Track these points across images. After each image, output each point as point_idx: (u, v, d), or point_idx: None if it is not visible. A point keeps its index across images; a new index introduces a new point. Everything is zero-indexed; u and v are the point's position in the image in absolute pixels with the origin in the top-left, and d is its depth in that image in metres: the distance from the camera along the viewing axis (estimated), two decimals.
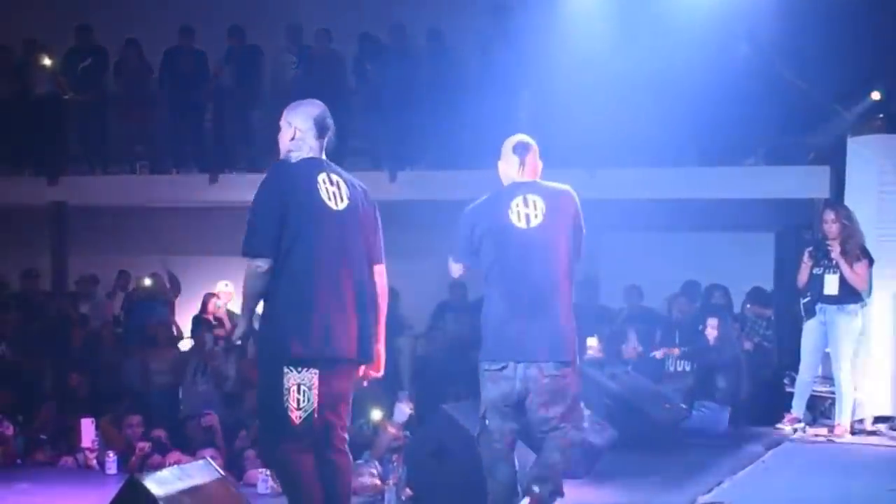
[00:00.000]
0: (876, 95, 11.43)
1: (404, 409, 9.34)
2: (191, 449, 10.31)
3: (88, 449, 10.16)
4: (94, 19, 16.54)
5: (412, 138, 14.91)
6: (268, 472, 8.41)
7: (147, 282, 15.53)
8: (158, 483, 5.64)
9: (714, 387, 11.15)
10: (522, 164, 7.07)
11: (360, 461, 9.27)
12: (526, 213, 6.86)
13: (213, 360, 12.88)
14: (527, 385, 6.63)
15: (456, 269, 7.06)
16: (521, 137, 7.21)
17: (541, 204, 6.89)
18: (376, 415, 10.15)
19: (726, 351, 11.57)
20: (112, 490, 5.77)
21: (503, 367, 6.70)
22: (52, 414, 11.50)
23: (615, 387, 10.13)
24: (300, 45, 15.78)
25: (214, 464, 6.19)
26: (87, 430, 10.22)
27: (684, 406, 10.93)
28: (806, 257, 10.55)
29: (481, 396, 6.84)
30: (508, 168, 7.10)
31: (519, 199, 6.89)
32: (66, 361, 13.23)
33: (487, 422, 6.77)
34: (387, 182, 14.54)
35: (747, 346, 12.25)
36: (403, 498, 7.89)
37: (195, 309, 14.74)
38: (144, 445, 10.13)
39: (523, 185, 6.99)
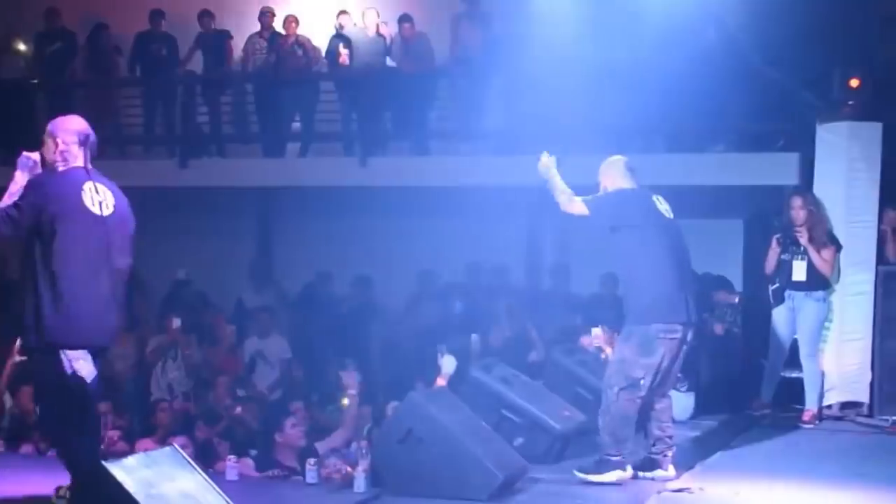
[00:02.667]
0: (854, 83, 11.46)
1: (451, 361, 9.38)
2: (161, 436, 10.27)
3: None
4: (63, 3, 16.45)
5: (382, 124, 14.90)
6: (237, 460, 8.40)
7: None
8: (125, 470, 5.61)
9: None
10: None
11: (328, 451, 9.31)
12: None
13: (183, 347, 12.83)
14: (683, 347, 7.96)
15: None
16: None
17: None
18: (345, 401, 10.18)
19: None
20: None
21: (677, 331, 7.83)
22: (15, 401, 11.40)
23: (585, 374, 10.12)
24: (272, 31, 15.71)
25: (182, 451, 6.16)
26: None
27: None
28: (774, 244, 10.61)
29: (644, 360, 7.80)
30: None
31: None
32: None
33: (643, 381, 7.82)
34: (357, 168, 14.51)
35: (718, 330, 12.27)
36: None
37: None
38: (113, 434, 10.07)
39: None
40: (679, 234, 8.18)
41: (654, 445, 8.14)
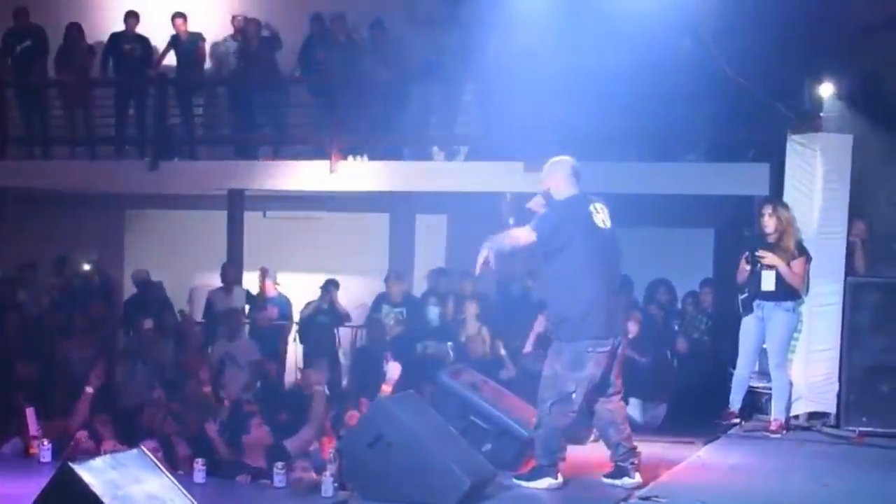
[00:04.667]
0: (826, 89, 11.52)
1: (396, 367, 9.43)
2: (134, 439, 10.18)
3: (34, 437, 10.05)
4: (35, 3, 16.39)
5: (354, 129, 14.89)
6: (204, 462, 8.37)
7: (85, 266, 15.42)
8: (91, 472, 5.59)
9: (637, 382, 11.06)
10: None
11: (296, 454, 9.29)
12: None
13: (151, 347, 12.79)
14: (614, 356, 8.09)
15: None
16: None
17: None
18: None
19: (647, 348, 11.61)
20: (45, 478, 5.71)
21: (606, 345, 7.96)
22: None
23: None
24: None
25: (149, 453, 6.14)
26: (33, 418, 10.12)
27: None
28: (743, 261, 10.63)
29: (575, 374, 7.93)
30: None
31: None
32: (4, 349, 13.08)
33: (574, 395, 7.96)
34: (327, 172, 14.48)
35: (681, 345, 12.34)
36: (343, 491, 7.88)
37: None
38: (82, 435, 10.00)
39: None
40: (611, 246, 8.26)
41: (616, 453, 8.22)
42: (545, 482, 8.06)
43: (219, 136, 16.25)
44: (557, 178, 8.31)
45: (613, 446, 8.25)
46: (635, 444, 8.32)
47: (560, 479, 8.11)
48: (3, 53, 16.32)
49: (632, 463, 8.18)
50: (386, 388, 9.33)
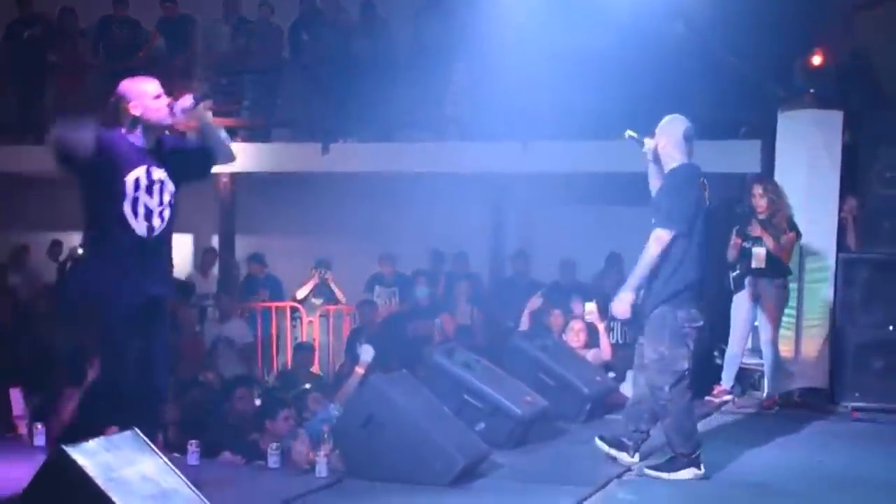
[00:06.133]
0: (817, 60, 11.50)
1: (368, 350, 9.46)
2: None
3: (18, 417, 10.04)
4: None
5: (345, 110, 14.85)
6: (197, 443, 8.37)
7: (80, 251, 15.37)
8: (85, 454, 5.57)
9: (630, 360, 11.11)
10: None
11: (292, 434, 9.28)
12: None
13: None
14: None
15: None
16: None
17: None
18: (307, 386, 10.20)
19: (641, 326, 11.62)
20: (39, 462, 5.70)
21: (699, 320, 7.75)
22: None
23: (546, 358, 10.15)
24: (238, 17, 15.67)
25: (142, 435, 6.13)
26: (17, 399, 10.11)
27: (613, 376, 10.98)
28: (734, 235, 10.64)
29: (682, 351, 7.66)
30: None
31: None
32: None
33: (687, 371, 7.70)
34: (319, 154, 14.47)
35: None
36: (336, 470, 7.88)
37: None
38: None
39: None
40: (710, 227, 7.98)
41: (633, 431, 8.07)
42: (689, 472, 7.68)
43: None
44: (670, 139, 7.89)
45: (633, 426, 8.06)
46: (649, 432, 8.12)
47: (703, 469, 7.72)
48: (6, 39, 16.28)
49: (637, 443, 8.04)
50: (359, 370, 9.35)
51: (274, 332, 14.59)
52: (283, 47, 15.60)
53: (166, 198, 6.59)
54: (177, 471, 5.97)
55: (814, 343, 10.88)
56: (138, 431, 6.18)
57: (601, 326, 11.39)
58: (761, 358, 10.72)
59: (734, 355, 10.79)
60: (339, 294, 14.35)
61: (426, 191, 14.62)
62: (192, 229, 16.66)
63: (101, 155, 6.30)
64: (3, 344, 12.33)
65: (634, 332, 11.00)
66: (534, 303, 11.90)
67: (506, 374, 9.44)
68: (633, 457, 8.05)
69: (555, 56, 13.05)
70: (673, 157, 7.85)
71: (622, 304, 7.71)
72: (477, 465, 7.82)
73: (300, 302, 14.38)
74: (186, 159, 6.69)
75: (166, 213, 6.61)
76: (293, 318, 14.49)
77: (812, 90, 11.51)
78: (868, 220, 11.13)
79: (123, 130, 6.50)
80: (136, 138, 6.52)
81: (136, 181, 6.43)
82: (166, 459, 5.98)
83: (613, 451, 8.08)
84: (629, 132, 8.06)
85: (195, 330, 13.29)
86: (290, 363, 13.32)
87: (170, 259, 6.86)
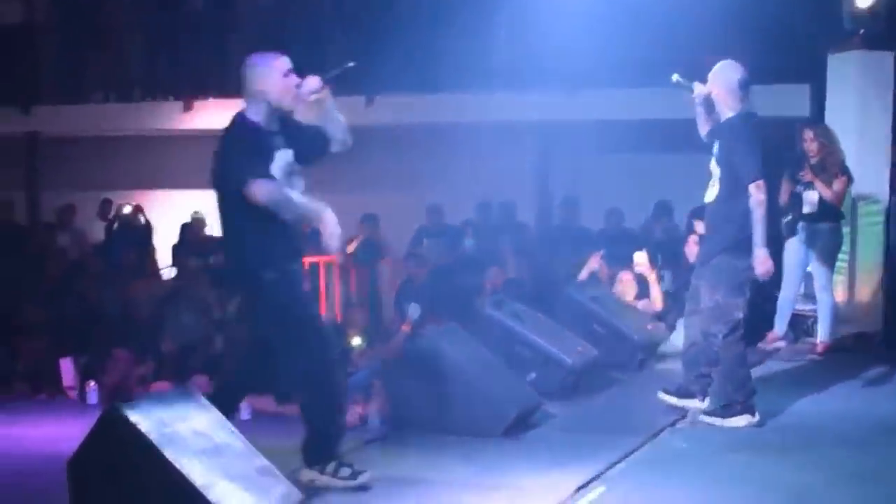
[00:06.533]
0: (867, 5, 11.35)
1: (416, 308, 9.47)
2: (182, 378, 10.21)
3: (69, 388, 10.12)
4: None
5: (389, 61, 14.76)
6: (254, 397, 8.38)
7: (127, 209, 15.44)
8: (138, 410, 5.58)
9: None
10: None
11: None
12: None
13: (197, 290, 12.79)
14: None
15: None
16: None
17: None
18: (356, 341, 10.18)
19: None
20: (92, 420, 5.72)
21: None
22: (33, 348, 11.39)
23: (597, 308, 10.11)
24: None
25: (196, 390, 6.14)
26: (67, 369, 10.20)
27: (663, 324, 10.91)
28: (785, 181, 10.53)
29: (738, 300, 7.63)
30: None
31: None
32: (46, 294, 13.11)
33: (742, 320, 7.65)
34: (363, 107, 14.41)
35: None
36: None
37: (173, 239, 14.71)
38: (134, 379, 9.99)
39: None
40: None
41: (696, 377, 7.94)
42: (743, 419, 7.65)
43: None
44: (724, 86, 7.81)
45: (697, 372, 7.92)
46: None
47: (757, 416, 7.72)
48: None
49: (703, 388, 7.90)
50: (405, 328, 9.33)
51: (323, 286, 14.57)
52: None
53: (300, 183, 6.39)
54: (229, 425, 5.98)
55: (867, 287, 10.80)
56: (191, 387, 6.20)
57: (651, 276, 11.31)
58: (814, 303, 10.62)
59: (787, 301, 10.69)
60: (384, 248, 14.32)
61: (472, 141, 14.53)
62: None
63: (254, 139, 6.18)
64: (52, 303, 12.40)
65: (682, 280, 11.00)
66: (594, 261, 11.78)
67: (556, 324, 9.42)
68: (703, 402, 7.92)
69: (600, 2, 12.92)
70: (729, 104, 7.79)
71: (763, 263, 7.55)
72: (529, 415, 7.81)
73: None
74: (308, 143, 6.44)
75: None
76: (341, 273, 14.47)
77: (861, 31, 11.33)
78: None
79: (248, 110, 6.27)
80: (261, 120, 6.26)
81: (281, 168, 6.25)
82: (219, 414, 5.98)
83: (680, 401, 7.99)
84: (676, 76, 7.97)
85: None
86: (339, 318, 13.29)
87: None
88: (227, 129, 6.31)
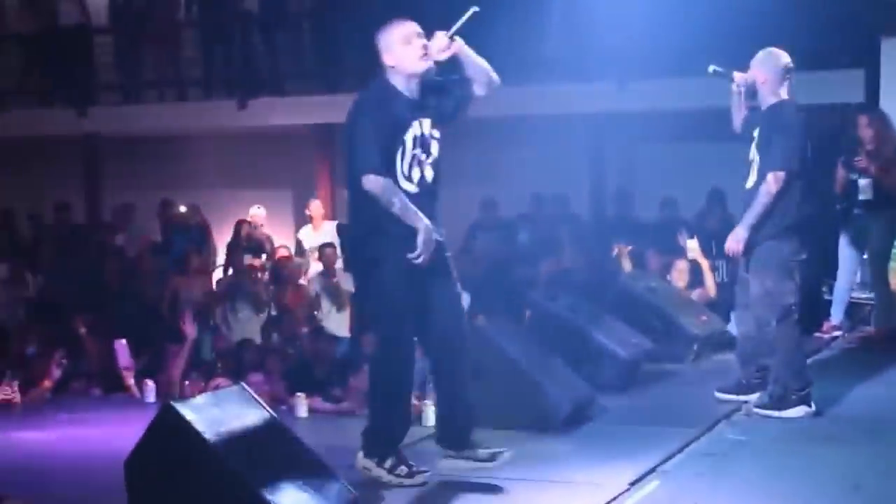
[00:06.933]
0: None
1: (465, 298, 9.51)
2: (239, 375, 10.29)
3: (126, 368, 10.21)
4: None
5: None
6: (304, 396, 8.44)
7: (183, 209, 15.55)
8: (193, 409, 5.63)
9: None
10: None
11: None
12: None
13: (252, 287, 12.88)
14: None
15: None
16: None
17: None
18: None
19: None
20: (150, 418, 5.78)
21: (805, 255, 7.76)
22: (94, 346, 11.52)
23: (652, 299, 10.09)
24: None
25: (249, 389, 6.18)
26: (122, 351, 10.30)
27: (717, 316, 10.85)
28: (840, 166, 10.44)
29: (788, 286, 7.59)
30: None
31: None
32: (104, 293, 13.24)
33: (794, 306, 7.60)
34: None
35: None
36: None
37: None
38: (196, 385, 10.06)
39: None
40: (815, 154, 7.90)
41: (755, 371, 7.99)
42: (799, 410, 7.56)
43: (305, 71, 16.24)
44: (770, 73, 7.78)
45: (751, 363, 7.98)
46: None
47: (813, 406, 7.60)
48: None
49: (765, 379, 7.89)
50: None
51: None
52: None
53: (434, 149, 6.31)
54: (283, 423, 6.02)
55: None
56: (245, 386, 6.24)
57: (705, 264, 11.27)
58: (871, 292, 10.53)
59: (843, 290, 10.63)
60: None
61: (525, 134, 14.51)
62: (291, 185, 16.77)
63: (383, 118, 6.11)
64: (111, 302, 12.53)
65: (737, 270, 10.92)
66: (622, 250, 11.78)
67: (611, 317, 9.39)
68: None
69: None
70: (774, 91, 7.75)
71: (737, 242, 7.62)
72: (584, 409, 7.81)
73: None
74: (447, 96, 6.39)
75: (438, 165, 6.34)
76: None
77: None
78: None
79: (384, 81, 6.23)
80: (403, 89, 6.20)
81: (414, 139, 6.19)
82: (273, 413, 6.02)
83: (739, 397, 7.99)
84: (712, 67, 7.98)
85: (299, 283, 13.34)
86: None
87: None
88: (359, 99, 6.29)
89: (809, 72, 13.12)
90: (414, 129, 6.17)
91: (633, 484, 6.33)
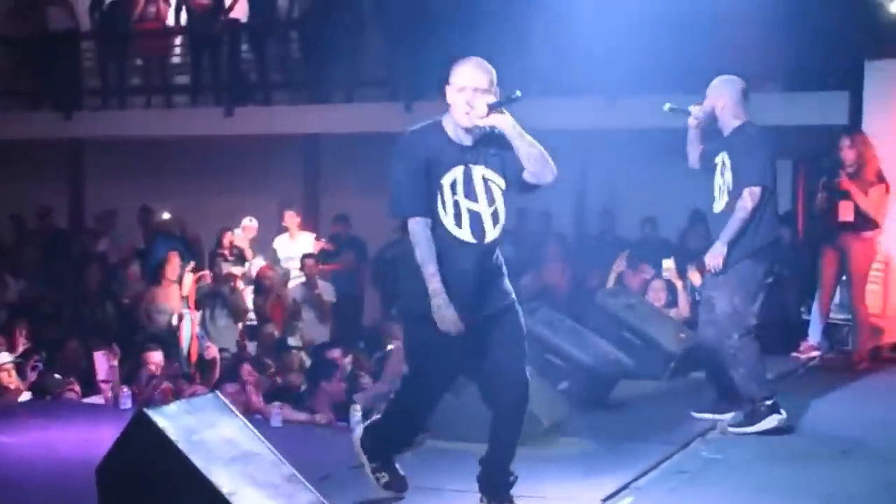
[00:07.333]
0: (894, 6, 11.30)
1: None
2: (212, 383, 10.31)
3: (103, 381, 10.20)
4: None
5: (428, 68, 14.77)
6: (280, 405, 8.43)
7: (166, 216, 15.54)
8: (166, 417, 5.61)
9: None
10: None
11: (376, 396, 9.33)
12: None
13: (231, 295, 12.88)
14: None
15: None
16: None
17: None
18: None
19: None
20: (125, 424, 5.77)
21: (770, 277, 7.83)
22: (74, 351, 11.50)
23: (630, 317, 10.10)
24: None
25: (224, 398, 6.17)
26: (101, 363, 10.29)
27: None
28: (821, 188, 10.49)
29: (753, 308, 7.68)
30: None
31: None
32: (86, 298, 13.24)
33: (754, 325, 7.68)
34: (402, 113, 14.43)
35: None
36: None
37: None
38: (167, 387, 10.06)
39: None
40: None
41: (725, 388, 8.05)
42: (773, 420, 7.61)
43: (293, 81, 16.28)
44: (728, 97, 7.85)
45: (721, 379, 8.01)
46: None
47: (784, 412, 7.66)
48: (92, 8, 16.47)
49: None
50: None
51: (360, 292, 14.65)
52: (364, 6, 15.55)
53: (497, 197, 5.89)
54: (257, 433, 6.00)
55: None
56: (219, 394, 6.23)
57: (679, 284, 11.33)
58: (849, 313, 10.56)
59: (822, 310, 10.65)
60: None
61: None
62: (277, 194, 16.77)
63: (419, 157, 5.78)
64: (93, 309, 12.52)
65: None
66: (619, 264, 11.84)
67: (589, 333, 9.39)
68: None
69: (639, 7, 12.91)
70: (736, 115, 7.85)
71: (715, 257, 7.65)
72: (560, 424, 7.79)
73: None
74: (513, 160, 5.92)
75: (500, 216, 5.90)
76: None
77: None
78: None
79: (441, 122, 5.89)
80: (451, 131, 5.86)
81: (453, 184, 5.79)
82: (247, 422, 6.01)
83: (714, 416, 8.04)
84: (668, 105, 8.10)
85: (280, 292, 13.34)
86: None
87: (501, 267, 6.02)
88: (401, 137, 5.96)
89: (794, 93, 13.26)
90: (454, 174, 5.80)
91: (606, 500, 6.33)
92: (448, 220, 5.79)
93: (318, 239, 14.82)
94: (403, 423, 6.27)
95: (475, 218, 5.81)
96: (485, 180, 5.85)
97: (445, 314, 5.70)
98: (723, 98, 7.88)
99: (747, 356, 7.68)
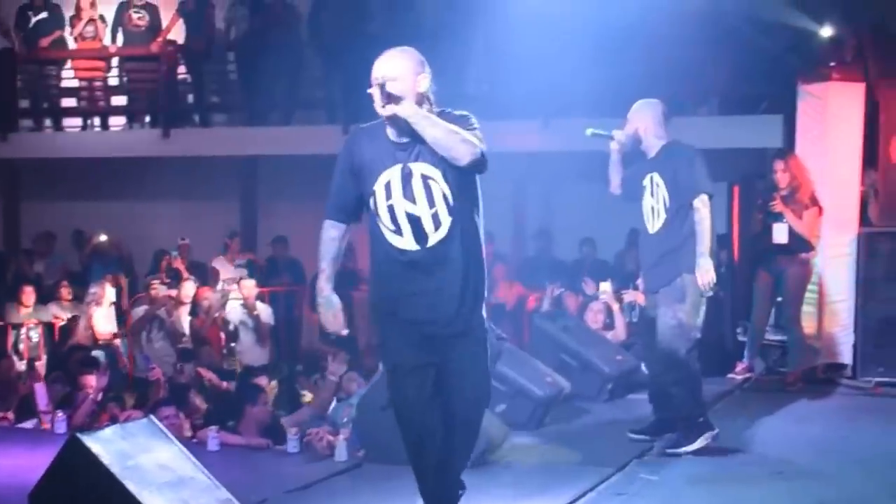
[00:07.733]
0: (838, 37, 11.45)
1: None
2: (147, 406, 10.22)
3: (44, 412, 10.11)
4: None
5: (365, 90, 14.73)
6: (218, 430, 8.38)
7: (103, 238, 15.43)
8: (100, 442, 5.59)
9: None
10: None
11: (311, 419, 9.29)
12: None
13: (168, 318, 12.81)
14: None
15: None
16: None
17: None
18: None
19: None
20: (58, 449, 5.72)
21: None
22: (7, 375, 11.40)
23: (567, 339, 10.13)
24: None
25: (158, 422, 6.14)
26: (41, 395, 10.20)
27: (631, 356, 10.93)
28: (757, 210, 10.59)
29: (698, 322, 7.72)
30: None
31: None
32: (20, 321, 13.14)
33: (697, 343, 7.73)
34: (340, 135, 14.40)
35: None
36: (356, 455, 7.89)
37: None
38: (94, 407, 9.99)
39: None
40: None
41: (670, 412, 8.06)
42: (706, 437, 7.67)
43: (230, 103, 16.22)
44: (650, 120, 7.96)
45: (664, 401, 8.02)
46: None
47: (716, 428, 7.77)
48: (17, 26, 16.32)
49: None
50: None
51: (298, 314, 14.59)
52: (302, 28, 15.52)
53: (438, 197, 5.56)
54: (192, 458, 5.98)
55: (837, 318, 10.82)
56: (153, 419, 6.19)
57: (615, 306, 11.38)
58: (784, 334, 10.66)
59: (757, 332, 10.74)
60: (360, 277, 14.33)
61: None
62: (213, 215, 16.69)
63: (348, 158, 5.65)
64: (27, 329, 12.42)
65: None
66: (552, 291, 11.89)
67: (527, 355, 9.42)
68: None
69: (574, 31, 12.95)
70: (659, 136, 7.97)
71: (707, 272, 7.62)
72: (497, 447, 7.80)
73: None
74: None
75: (443, 217, 5.57)
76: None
77: (832, 63, 11.40)
78: (890, 193, 11.01)
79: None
80: (391, 131, 5.62)
81: (387, 186, 5.56)
82: (182, 447, 5.98)
83: (651, 438, 8.08)
84: (590, 130, 8.17)
85: (217, 314, 13.26)
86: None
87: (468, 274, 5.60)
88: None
89: (728, 116, 13.38)
90: (390, 174, 5.57)
91: None
92: (386, 229, 5.58)
93: (255, 261, 14.80)
94: (408, 445, 5.88)
95: (414, 221, 5.52)
96: (424, 179, 5.54)
97: (323, 313, 5.69)
98: (644, 120, 7.99)
99: (691, 372, 7.75)
